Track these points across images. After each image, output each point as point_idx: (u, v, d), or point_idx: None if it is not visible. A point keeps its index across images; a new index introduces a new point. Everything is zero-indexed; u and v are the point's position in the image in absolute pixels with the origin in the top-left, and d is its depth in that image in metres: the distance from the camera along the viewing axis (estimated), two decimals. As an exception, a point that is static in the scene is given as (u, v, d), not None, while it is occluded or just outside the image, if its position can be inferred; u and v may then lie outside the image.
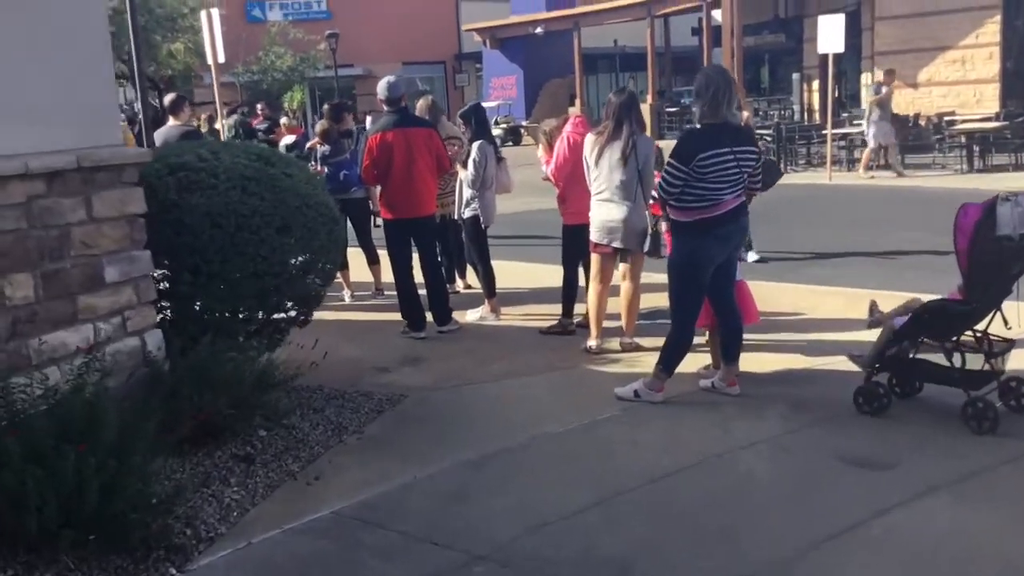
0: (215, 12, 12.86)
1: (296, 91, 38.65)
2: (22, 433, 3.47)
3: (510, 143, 33.53)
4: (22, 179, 4.09)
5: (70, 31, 4.48)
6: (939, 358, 5.11)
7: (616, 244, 6.50)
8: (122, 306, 4.61)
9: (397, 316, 7.46)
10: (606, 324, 6.73)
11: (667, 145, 6.18)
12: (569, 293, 7.29)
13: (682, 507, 4.19)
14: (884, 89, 16.83)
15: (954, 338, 5.01)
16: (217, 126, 14.02)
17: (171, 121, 8.81)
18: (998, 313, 4.96)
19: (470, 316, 7.84)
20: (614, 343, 6.71)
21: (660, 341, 5.76)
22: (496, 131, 32.39)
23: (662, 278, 5.64)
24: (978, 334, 5.00)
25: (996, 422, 4.78)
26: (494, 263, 8.01)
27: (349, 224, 8.50)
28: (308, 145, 9.94)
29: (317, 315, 6.14)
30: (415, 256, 7.44)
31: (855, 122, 20.56)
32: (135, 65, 11.33)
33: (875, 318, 5.50)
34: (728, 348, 5.62)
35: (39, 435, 3.48)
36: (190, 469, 4.43)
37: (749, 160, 5.33)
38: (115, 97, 5.08)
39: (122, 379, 4.42)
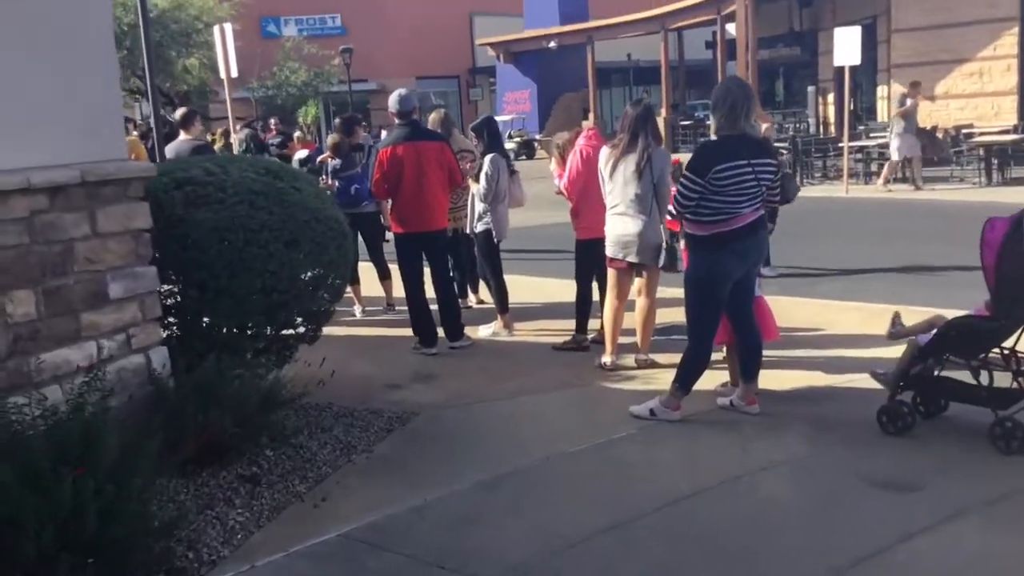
0: (228, 27, 12.85)
1: (310, 106, 38.79)
2: (19, 455, 3.36)
3: (523, 157, 33.52)
4: (24, 193, 4.00)
5: (71, 40, 4.38)
6: (965, 376, 4.97)
7: (631, 259, 6.38)
8: (126, 323, 4.51)
9: (409, 332, 7.36)
10: (621, 340, 6.60)
11: (683, 159, 6.07)
12: (583, 309, 7.17)
13: (700, 530, 4.06)
14: (909, 101, 16.63)
15: (981, 355, 4.86)
16: (231, 140, 14.02)
17: (182, 135, 8.76)
18: (1027, 330, 4.81)
19: (482, 332, 7.72)
20: (629, 360, 6.58)
21: (676, 358, 5.64)
22: (509, 145, 32.44)
23: (678, 293, 5.52)
24: (1006, 351, 4.86)
25: (1025, 442, 4.62)
26: (507, 278, 7.90)
27: (360, 238, 8.46)
28: (319, 159, 9.87)
29: (328, 331, 6.04)
30: (427, 271, 7.33)
31: (872, 135, 20.42)
32: (148, 80, 11.32)
33: (896, 330, 5.36)
34: (747, 365, 5.48)
35: (36, 457, 3.38)
36: (194, 490, 4.32)
37: (767, 173, 5.20)
38: (120, 109, 5.00)
39: (125, 398, 4.32)
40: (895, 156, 16.77)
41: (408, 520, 4.19)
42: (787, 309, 7.42)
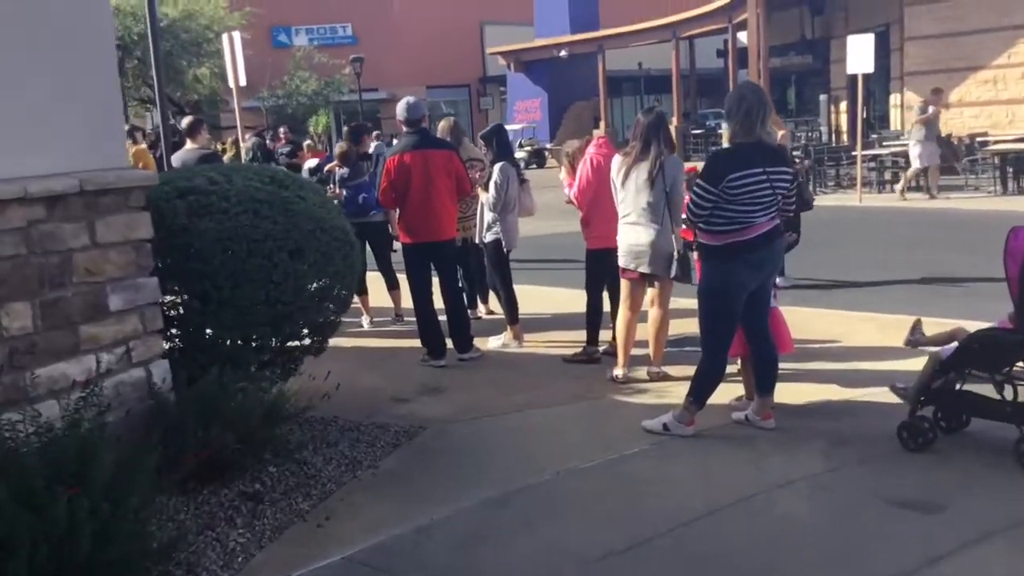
0: (236, 36, 12.77)
1: (321, 115, 38.82)
2: (13, 473, 3.25)
3: (534, 165, 33.44)
4: (21, 203, 3.90)
5: (70, 44, 4.28)
6: (988, 390, 4.82)
7: (643, 269, 6.25)
8: (127, 336, 4.40)
9: (417, 343, 7.24)
10: (633, 352, 6.47)
11: (699, 166, 5.94)
12: (593, 320, 7.04)
13: (715, 550, 3.92)
14: (931, 109, 16.45)
15: (1005, 369, 4.71)
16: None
17: (189, 144, 8.67)
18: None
19: (492, 343, 7.60)
20: (641, 372, 6.45)
21: (689, 370, 5.50)
22: (520, 153, 32.39)
23: (691, 303, 5.39)
24: (1031, 365, 4.71)
25: (1052, 460, 4.48)
26: (517, 288, 7.79)
27: (368, 248, 8.36)
28: (327, 167, 9.78)
29: (334, 342, 5.92)
30: (435, 281, 7.22)
31: (885, 143, 20.25)
32: (156, 89, 11.27)
33: (915, 338, 5.23)
34: (762, 379, 5.34)
35: (30, 475, 3.27)
36: (194, 509, 4.20)
37: (783, 181, 5.07)
38: (121, 116, 4.90)
39: (124, 413, 4.20)
40: (916, 164, 16.57)
41: (414, 540, 4.07)
42: (802, 320, 7.28)
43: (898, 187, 17.07)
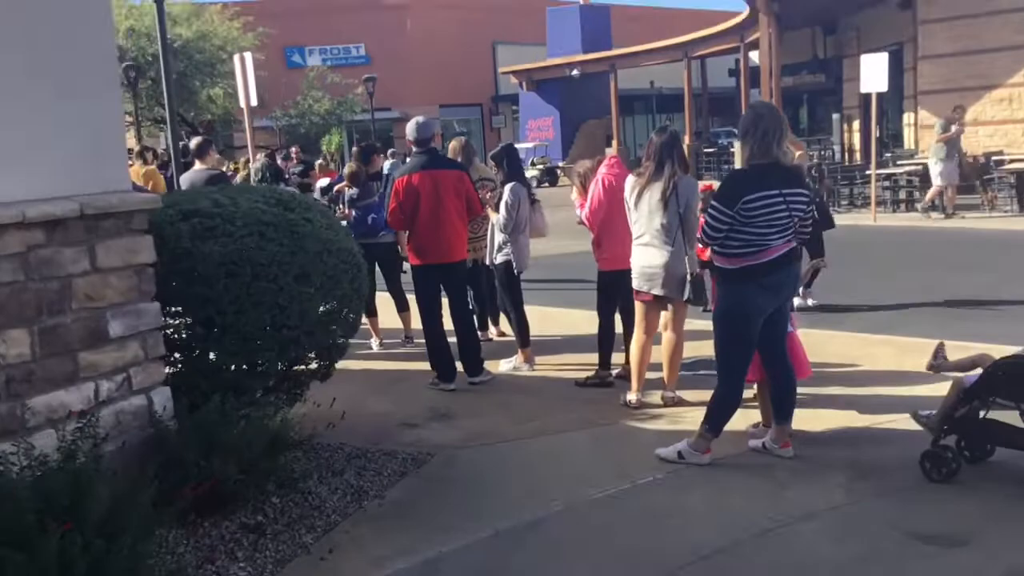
0: (248, 56, 12.79)
1: (334, 134, 38.92)
2: (3, 509, 3.14)
3: (546, 184, 33.37)
4: (19, 228, 3.80)
5: (71, 64, 4.20)
6: (1013, 419, 4.67)
7: (656, 291, 6.13)
8: (127, 363, 4.29)
9: (427, 365, 7.12)
10: (646, 376, 6.33)
11: (715, 184, 5.82)
12: (606, 343, 6.91)
13: (734, 588, 3.79)
14: (955, 128, 16.28)
15: (1032, 398, 4.56)
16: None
17: (197, 165, 8.61)
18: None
19: (503, 366, 7.48)
20: (655, 396, 6.31)
21: (704, 395, 5.37)
22: (532, 172, 32.35)
23: (704, 324, 5.25)
24: (1058, 394, 4.55)
25: (1082, 492, 4.33)
26: (528, 309, 7.67)
27: (378, 269, 8.26)
28: (336, 188, 9.70)
29: (343, 364, 5.81)
30: (445, 303, 7.11)
31: (899, 162, 20.10)
32: (167, 109, 11.25)
33: (938, 362, 5.08)
34: (780, 406, 5.19)
35: (22, 510, 3.15)
36: (194, 542, 4.07)
37: (800, 203, 4.95)
38: (123, 137, 4.81)
39: (123, 443, 4.09)
40: (938, 182, 16.40)
41: (421, 575, 3.93)
42: (818, 343, 7.14)
43: (920, 205, 16.87)
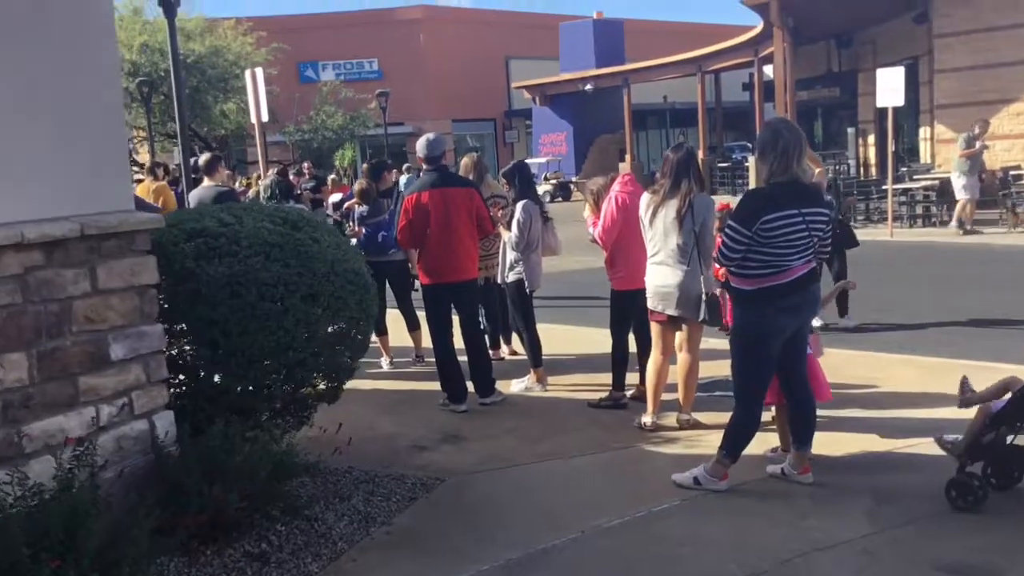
0: (259, 71, 12.77)
1: (347, 149, 38.98)
2: (-3, 541, 3.04)
3: (560, 199, 33.28)
4: (17, 249, 3.72)
5: (72, 79, 4.12)
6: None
7: (670, 311, 5.99)
8: (129, 386, 4.19)
9: (437, 385, 7.00)
10: (662, 397, 6.19)
11: (733, 202, 5.69)
12: (620, 364, 6.77)
13: (753, 623, 3.64)
14: (979, 144, 16.11)
15: (1062, 424, 4.41)
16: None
17: (206, 181, 8.54)
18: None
19: (515, 387, 7.34)
20: (671, 419, 6.16)
21: (721, 417, 5.23)
22: (545, 187, 32.29)
23: (720, 344, 5.11)
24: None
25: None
26: (541, 327, 7.54)
27: (388, 287, 8.15)
28: (346, 205, 9.60)
29: (353, 384, 5.69)
30: (456, 322, 6.99)
31: (915, 177, 19.91)
32: (178, 124, 11.21)
33: (968, 396, 4.90)
34: (800, 431, 5.03)
35: (15, 543, 3.05)
36: (196, 571, 3.96)
37: (819, 223, 4.81)
38: (125, 156, 4.71)
39: (124, 469, 3.98)
40: (962, 195, 16.21)
41: (429, 607, 3.82)
42: (836, 363, 6.97)
43: (952, 224, 16.58)
